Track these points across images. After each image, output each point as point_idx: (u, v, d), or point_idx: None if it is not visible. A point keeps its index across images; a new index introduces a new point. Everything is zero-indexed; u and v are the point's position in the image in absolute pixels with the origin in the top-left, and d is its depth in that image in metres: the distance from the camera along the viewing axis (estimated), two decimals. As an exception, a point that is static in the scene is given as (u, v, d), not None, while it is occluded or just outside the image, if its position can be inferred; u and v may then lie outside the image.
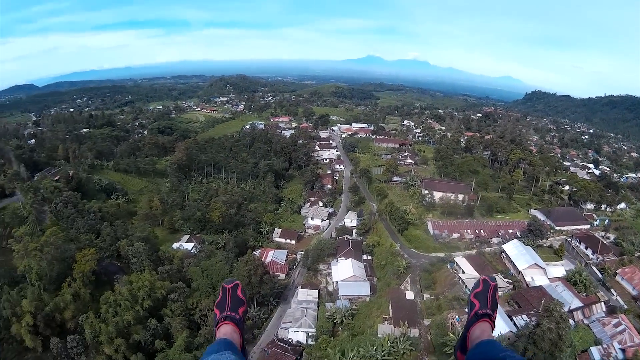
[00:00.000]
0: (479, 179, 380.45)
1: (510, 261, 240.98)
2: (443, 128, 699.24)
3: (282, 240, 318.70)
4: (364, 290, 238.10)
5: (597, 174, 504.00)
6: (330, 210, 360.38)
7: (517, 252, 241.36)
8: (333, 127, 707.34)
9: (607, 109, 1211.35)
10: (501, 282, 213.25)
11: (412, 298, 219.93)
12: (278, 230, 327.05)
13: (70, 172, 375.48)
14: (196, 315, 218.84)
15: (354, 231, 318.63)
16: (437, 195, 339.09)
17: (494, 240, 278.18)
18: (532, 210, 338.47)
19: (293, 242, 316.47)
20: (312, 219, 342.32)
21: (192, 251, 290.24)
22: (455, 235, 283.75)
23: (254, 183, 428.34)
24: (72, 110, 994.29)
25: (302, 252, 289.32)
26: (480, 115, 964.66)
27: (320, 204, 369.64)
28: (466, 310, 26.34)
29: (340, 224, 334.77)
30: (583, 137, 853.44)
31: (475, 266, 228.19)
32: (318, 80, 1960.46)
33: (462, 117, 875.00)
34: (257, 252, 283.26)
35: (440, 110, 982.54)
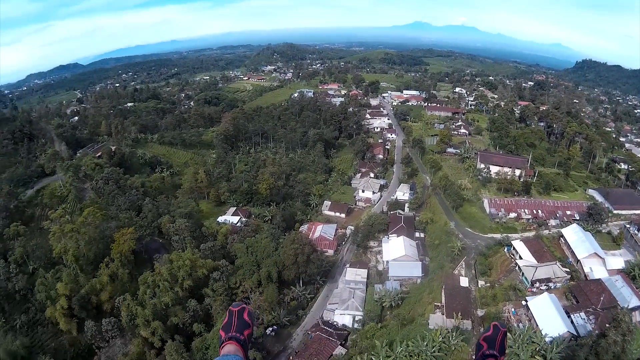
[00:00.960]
0: (536, 153, 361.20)
1: (569, 248, 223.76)
2: (496, 96, 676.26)
3: (332, 213, 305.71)
4: (416, 272, 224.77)
5: None
6: (382, 182, 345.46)
7: (577, 239, 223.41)
8: (383, 95, 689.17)
9: None
10: (559, 271, 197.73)
11: (467, 285, 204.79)
12: (327, 203, 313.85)
13: (113, 148, 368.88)
14: (239, 296, 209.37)
15: (406, 205, 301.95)
16: (493, 169, 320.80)
17: (552, 222, 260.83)
18: (589, 189, 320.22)
19: (343, 215, 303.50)
20: (363, 191, 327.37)
21: (237, 225, 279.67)
22: (512, 214, 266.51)
23: (303, 152, 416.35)
24: (117, 85, 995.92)
25: (352, 227, 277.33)
26: (532, 83, 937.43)
27: (372, 175, 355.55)
28: (472, 353, 30.34)
29: (392, 197, 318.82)
30: (635, 111, 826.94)
31: (533, 252, 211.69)
32: (366, 47, 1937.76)
33: (514, 85, 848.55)
34: (304, 227, 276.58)
35: (491, 78, 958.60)
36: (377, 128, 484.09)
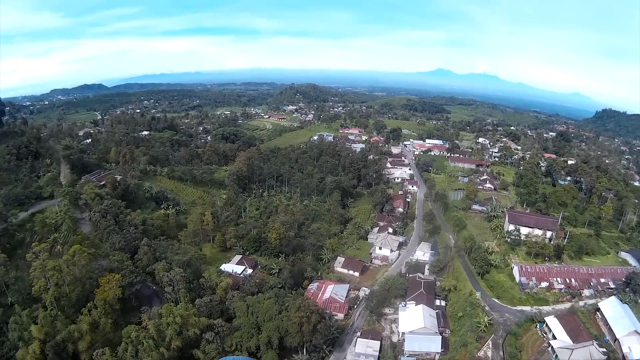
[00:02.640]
0: (567, 212, 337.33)
1: (606, 323, 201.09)
2: (519, 147, 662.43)
3: (345, 271, 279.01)
4: (434, 347, 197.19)
5: None
6: (401, 239, 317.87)
7: (615, 314, 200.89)
8: (405, 143, 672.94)
9: None
10: (596, 353, 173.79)
11: None
12: (341, 260, 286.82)
13: (118, 178, 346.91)
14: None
15: (427, 267, 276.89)
16: (523, 230, 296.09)
17: (586, 292, 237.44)
18: (621, 252, 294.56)
19: (357, 274, 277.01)
20: (380, 249, 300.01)
21: (240, 275, 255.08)
22: (544, 284, 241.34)
23: (319, 200, 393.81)
24: (137, 111, 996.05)
25: (366, 289, 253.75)
26: (554, 134, 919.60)
27: (390, 230, 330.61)
28: None
29: (411, 257, 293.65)
30: None
31: (568, 330, 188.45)
32: (389, 92, 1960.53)
33: (535, 136, 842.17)
34: (314, 285, 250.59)
35: (513, 128, 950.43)
36: (397, 178, 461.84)
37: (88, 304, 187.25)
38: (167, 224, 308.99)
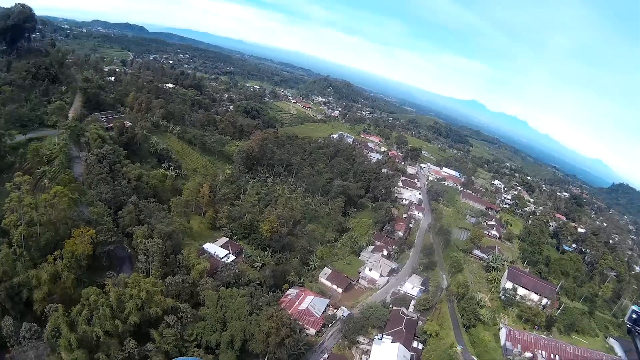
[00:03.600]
0: (566, 283, 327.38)
1: None
2: (532, 200, 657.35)
3: (328, 283, 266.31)
4: None
5: None
6: (394, 265, 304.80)
7: None
8: (422, 165, 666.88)
9: None
10: None
11: None
12: (327, 271, 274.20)
13: (128, 124, 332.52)
14: (189, 352, 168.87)
15: (413, 303, 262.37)
16: (520, 291, 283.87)
17: None
18: (610, 338, 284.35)
19: (340, 289, 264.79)
20: (370, 270, 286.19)
21: (222, 259, 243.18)
22: (528, 354, 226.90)
23: (321, 201, 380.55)
24: (170, 62, 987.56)
25: (345, 309, 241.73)
26: (568, 195, 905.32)
27: (385, 252, 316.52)
28: None
29: (399, 288, 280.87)
30: None
31: None
32: (418, 109, 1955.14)
33: (549, 192, 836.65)
34: (293, 292, 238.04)
35: (529, 178, 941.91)
36: (405, 200, 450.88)
37: (55, 252, 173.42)
38: (163, 186, 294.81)
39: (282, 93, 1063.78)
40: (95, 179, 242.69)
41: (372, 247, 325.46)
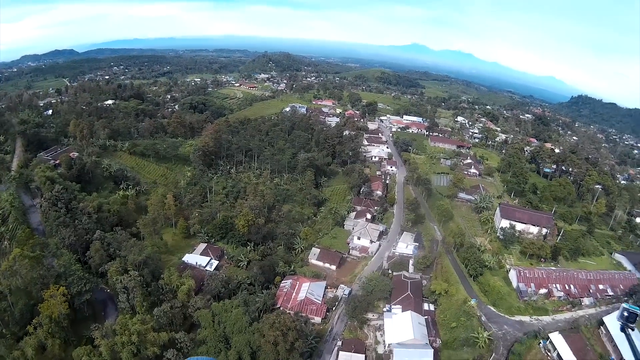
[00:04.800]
0: (561, 208, 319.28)
1: (611, 340, 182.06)
2: (499, 129, 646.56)
3: (320, 263, 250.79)
4: None
5: None
6: (381, 228, 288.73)
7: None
8: (382, 118, 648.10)
9: None
10: None
11: None
12: (316, 251, 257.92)
13: (75, 155, 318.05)
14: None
15: (411, 263, 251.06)
16: (517, 227, 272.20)
17: (586, 300, 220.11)
18: (616, 253, 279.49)
19: (333, 267, 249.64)
20: (359, 238, 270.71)
21: (206, 268, 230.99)
22: (543, 291, 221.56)
23: (290, 178, 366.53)
24: (106, 77, 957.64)
25: (344, 286, 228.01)
26: (530, 116, 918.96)
27: (368, 215, 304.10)
28: None
29: (393, 250, 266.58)
30: (634, 152, 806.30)
31: (574, 350, 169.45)
32: (362, 64, 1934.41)
33: (512, 117, 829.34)
34: (287, 282, 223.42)
35: (489, 107, 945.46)
36: (375, 157, 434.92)
37: (34, 320, 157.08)
38: (126, 209, 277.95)
39: (224, 79, 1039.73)
40: (54, 225, 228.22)
41: (354, 213, 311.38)
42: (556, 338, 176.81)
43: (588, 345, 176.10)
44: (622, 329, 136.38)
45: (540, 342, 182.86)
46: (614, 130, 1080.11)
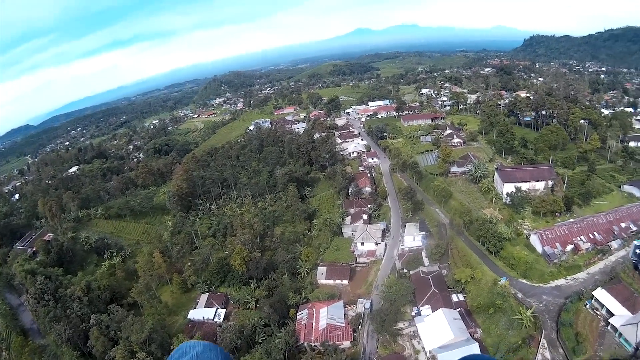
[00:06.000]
0: (558, 156, 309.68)
1: None
2: (465, 91, 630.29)
3: (330, 281, 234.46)
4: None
5: None
6: (382, 226, 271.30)
7: None
8: (347, 111, 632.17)
9: (610, 44, 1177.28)
10: None
11: None
12: (322, 270, 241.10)
13: (50, 237, 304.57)
14: None
15: (424, 255, 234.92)
16: (520, 187, 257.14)
17: (614, 244, 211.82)
18: (624, 185, 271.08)
19: (345, 281, 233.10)
20: (363, 244, 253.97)
21: (214, 320, 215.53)
22: (569, 247, 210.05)
23: (274, 198, 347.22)
24: (66, 144, 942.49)
25: (363, 299, 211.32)
26: (490, 69, 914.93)
27: (364, 216, 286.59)
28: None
29: (401, 246, 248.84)
30: (601, 77, 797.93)
31: (622, 301, 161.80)
32: (312, 62, 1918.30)
33: (473, 75, 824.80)
34: (304, 313, 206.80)
35: (447, 71, 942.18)
36: (352, 153, 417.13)
37: None
38: (116, 279, 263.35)
39: (182, 114, 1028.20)
40: (47, 322, 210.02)
41: (349, 217, 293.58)
42: (600, 294, 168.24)
43: (635, 292, 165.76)
44: (636, 267, 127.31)
45: (586, 304, 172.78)
46: (574, 62, 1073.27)
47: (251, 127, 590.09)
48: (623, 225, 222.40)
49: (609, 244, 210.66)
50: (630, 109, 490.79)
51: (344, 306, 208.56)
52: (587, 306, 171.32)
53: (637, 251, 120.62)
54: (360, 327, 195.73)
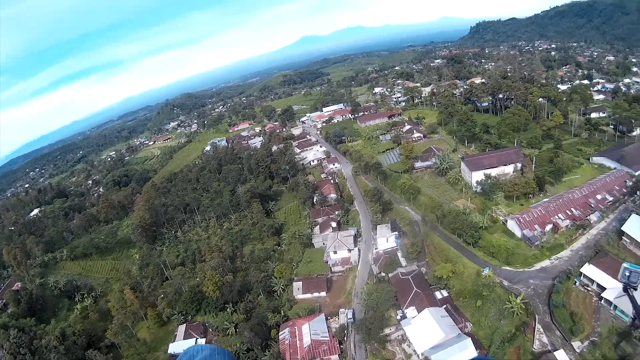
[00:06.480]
0: (522, 137, 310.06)
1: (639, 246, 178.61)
2: (419, 84, 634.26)
3: (308, 295, 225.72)
4: (468, 353, 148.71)
5: (612, 89, 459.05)
6: (352, 231, 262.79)
7: None
8: (302, 119, 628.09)
9: (556, 21, 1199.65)
10: None
11: (565, 359, 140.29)
12: (298, 284, 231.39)
13: (18, 286, 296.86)
14: None
15: (400, 256, 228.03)
16: (490, 173, 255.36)
17: (592, 217, 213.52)
18: (593, 157, 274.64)
19: (323, 293, 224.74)
20: (335, 252, 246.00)
21: None
22: (549, 227, 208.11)
23: (239, 217, 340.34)
24: (27, 186, 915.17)
25: (344, 309, 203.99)
26: (440, 61, 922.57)
27: (333, 224, 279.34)
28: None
29: (375, 249, 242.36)
30: (552, 54, 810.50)
31: (612, 273, 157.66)
32: (262, 75, 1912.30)
33: (424, 68, 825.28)
34: (285, 332, 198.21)
35: (397, 67, 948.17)
36: (313, 161, 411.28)
37: None
38: (90, 322, 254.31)
39: (138, 142, 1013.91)
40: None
41: (317, 227, 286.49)
42: (589, 270, 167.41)
43: (623, 262, 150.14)
44: (625, 289, 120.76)
45: (575, 282, 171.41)
46: (523, 43, 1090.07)
47: (207, 148, 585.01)
48: (599, 197, 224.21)
49: (587, 218, 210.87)
50: (586, 81, 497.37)
51: (326, 319, 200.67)
52: (577, 284, 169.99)
53: (627, 273, 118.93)
54: (346, 338, 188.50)
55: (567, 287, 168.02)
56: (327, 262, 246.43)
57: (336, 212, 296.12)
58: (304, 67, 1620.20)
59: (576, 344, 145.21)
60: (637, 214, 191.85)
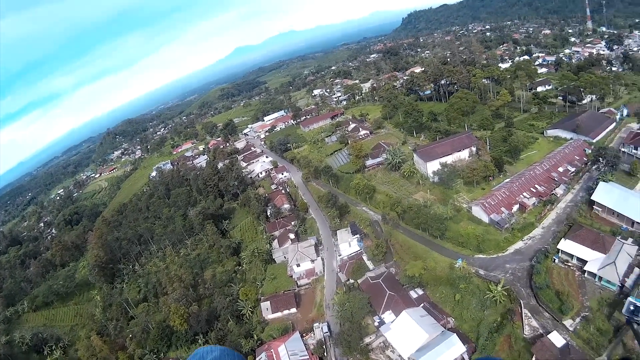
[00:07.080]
0: (472, 120, 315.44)
1: (612, 212, 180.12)
2: (358, 81, 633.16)
3: (278, 314, 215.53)
4: (457, 349, 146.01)
5: (553, 61, 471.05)
6: (312, 241, 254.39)
7: (615, 199, 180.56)
8: (245, 132, 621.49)
9: (487, 2, 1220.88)
10: (631, 249, 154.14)
11: (560, 340, 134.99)
12: (266, 304, 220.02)
13: None
14: None
15: (365, 259, 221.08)
16: (445, 161, 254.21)
17: (558, 190, 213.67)
18: (547, 131, 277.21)
19: (293, 310, 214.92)
20: (299, 265, 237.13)
21: None
22: (515, 207, 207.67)
23: (194, 241, 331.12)
24: None
25: (317, 324, 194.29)
26: (376, 55, 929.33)
27: (292, 235, 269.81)
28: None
29: (339, 256, 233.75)
30: (487, 34, 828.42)
31: (591, 245, 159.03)
32: (200, 92, 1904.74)
33: (361, 64, 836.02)
34: (262, 357, 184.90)
35: (333, 67, 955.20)
36: (261, 173, 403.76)
37: None
38: None
39: (84, 177, 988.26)
40: None
41: (275, 241, 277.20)
42: (566, 245, 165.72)
43: (596, 231, 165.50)
44: (629, 322, 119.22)
45: (554, 259, 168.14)
46: (457, 27, 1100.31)
47: (153, 174, 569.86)
48: (561, 169, 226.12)
49: (553, 192, 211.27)
50: (526, 57, 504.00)
51: (302, 336, 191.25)
52: (557, 261, 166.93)
53: (631, 307, 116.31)
54: (326, 353, 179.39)
55: (546, 266, 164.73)
56: (291, 276, 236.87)
57: (292, 223, 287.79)
58: (240, 79, 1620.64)
59: (568, 323, 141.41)
60: (604, 181, 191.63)
